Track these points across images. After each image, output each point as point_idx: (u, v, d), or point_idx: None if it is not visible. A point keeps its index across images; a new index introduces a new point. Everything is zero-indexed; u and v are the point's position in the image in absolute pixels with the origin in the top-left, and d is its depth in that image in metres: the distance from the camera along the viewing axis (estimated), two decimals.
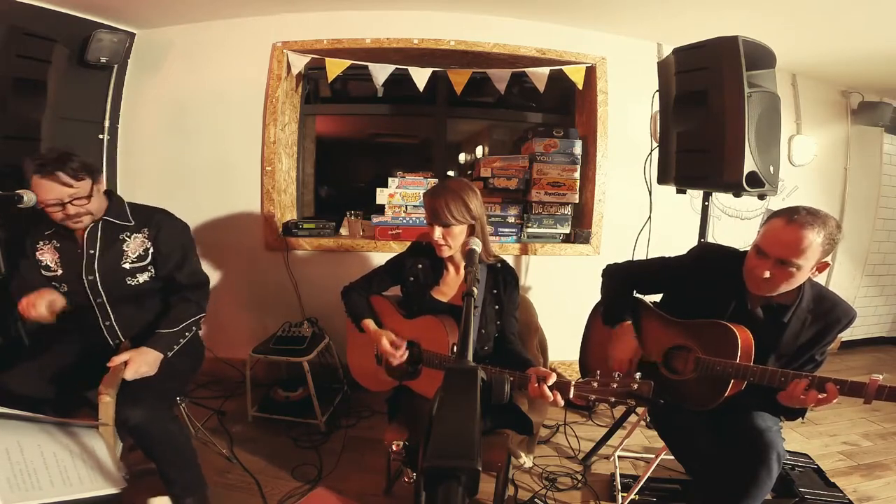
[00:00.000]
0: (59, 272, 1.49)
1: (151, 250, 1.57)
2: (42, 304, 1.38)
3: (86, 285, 1.49)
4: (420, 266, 1.58)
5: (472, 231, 1.46)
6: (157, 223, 1.58)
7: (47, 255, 1.50)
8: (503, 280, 1.55)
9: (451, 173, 3.02)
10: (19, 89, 1.63)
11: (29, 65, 1.65)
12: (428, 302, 1.55)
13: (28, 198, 1.69)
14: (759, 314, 1.34)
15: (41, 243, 1.51)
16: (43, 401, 1.38)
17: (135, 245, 1.55)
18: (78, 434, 1.26)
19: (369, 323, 1.56)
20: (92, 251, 1.50)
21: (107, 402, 1.25)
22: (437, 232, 1.43)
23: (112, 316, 1.53)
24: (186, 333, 1.56)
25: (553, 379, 1.16)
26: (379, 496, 1.74)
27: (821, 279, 1.31)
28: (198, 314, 1.60)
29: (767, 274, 1.21)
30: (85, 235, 1.50)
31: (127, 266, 1.53)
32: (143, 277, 1.56)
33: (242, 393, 2.23)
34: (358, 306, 1.60)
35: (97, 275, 1.50)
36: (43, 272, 1.49)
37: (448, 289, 1.56)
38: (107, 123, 2.46)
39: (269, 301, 2.60)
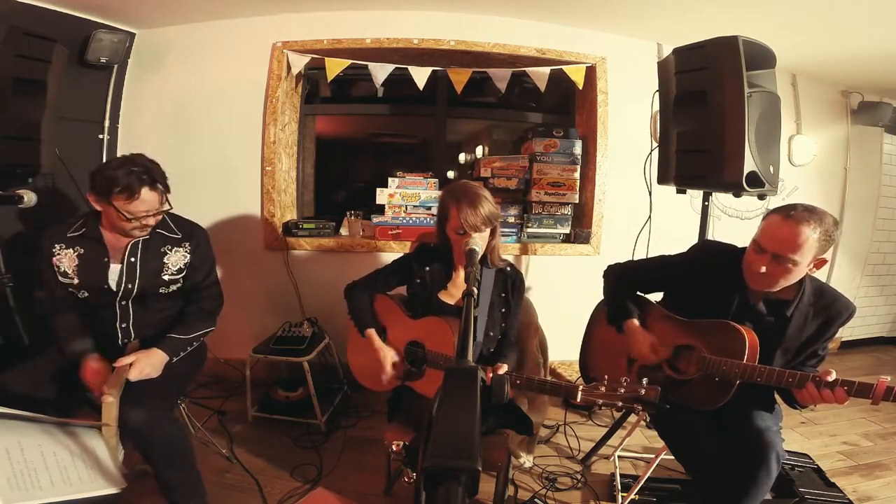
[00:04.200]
0: (76, 280, 1.47)
1: (189, 264, 1.59)
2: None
3: (120, 292, 1.49)
4: (428, 269, 1.57)
5: (492, 233, 1.48)
6: (197, 239, 1.62)
7: (65, 262, 1.48)
8: (512, 283, 1.56)
9: (451, 173, 3.02)
10: (19, 89, 1.63)
11: (29, 65, 1.65)
12: (435, 304, 1.54)
13: (28, 198, 1.70)
14: (762, 309, 1.35)
15: (58, 247, 1.48)
16: (43, 401, 1.38)
17: (176, 258, 1.57)
18: (78, 434, 1.26)
19: (374, 335, 1.54)
20: (133, 259, 1.50)
21: (110, 403, 1.25)
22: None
23: (131, 318, 1.53)
24: (194, 342, 1.57)
25: (503, 369, 1.31)
26: (379, 496, 1.74)
27: (821, 277, 1.32)
28: (210, 327, 1.63)
29: (764, 269, 1.23)
30: (129, 244, 1.50)
31: (166, 278, 1.55)
32: (173, 287, 1.58)
33: (242, 393, 2.23)
34: (362, 312, 1.58)
35: (136, 283, 1.50)
36: (61, 278, 1.48)
37: (456, 290, 1.56)
38: (107, 123, 2.46)
39: (269, 301, 2.60)
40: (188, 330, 1.55)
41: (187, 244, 1.60)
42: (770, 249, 1.21)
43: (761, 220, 1.30)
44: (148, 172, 1.42)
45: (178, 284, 1.59)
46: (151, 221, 1.47)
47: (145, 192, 1.40)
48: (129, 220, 1.41)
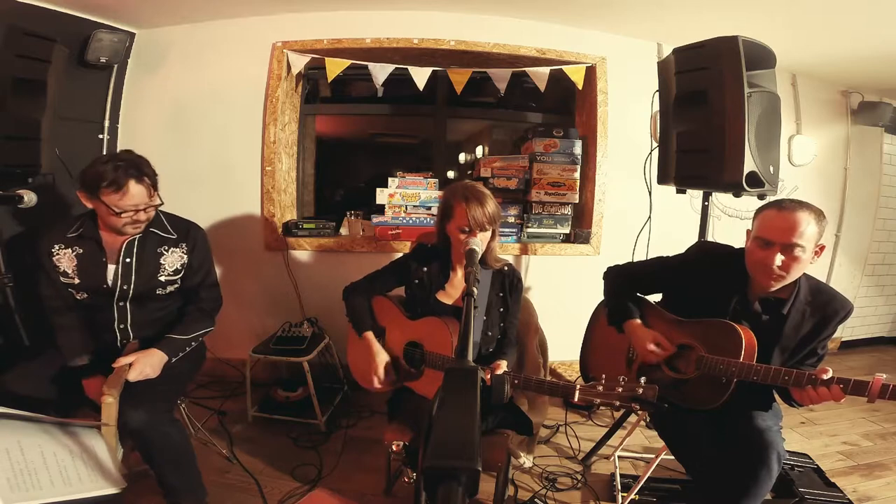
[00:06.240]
0: (77, 280, 1.47)
1: (186, 265, 1.59)
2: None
3: (116, 292, 1.49)
4: (426, 269, 1.57)
5: (492, 234, 1.48)
6: (193, 238, 1.62)
7: (64, 262, 1.48)
8: (510, 284, 1.56)
9: (451, 173, 3.02)
10: (19, 89, 1.63)
11: (29, 65, 1.65)
12: (433, 304, 1.54)
13: (28, 198, 1.70)
14: (759, 309, 1.35)
15: (57, 247, 1.48)
16: (44, 401, 1.38)
17: (172, 259, 1.57)
18: (78, 434, 1.26)
19: (371, 338, 1.54)
20: (128, 259, 1.50)
21: (110, 403, 1.25)
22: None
23: (129, 318, 1.53)
24: (193, 343, 1.57)
25: (502, 367, 1.30)
26: (379, 496, 1.74)
27: (821, 276, 1.32)
28: (209, 327, 1.63)
29: (780, 261, 1.23)
30: (124, 244, 1.50)
31: (163, 279, 1.55)
32: (171, 288, 1.58)
33: (242, 393, 2.23)
34: (360, 315, 1.58)
35: (132, 284, 1.50)
36: (61, 278, 1.48)
37: (454, 290, 1.56)
38: (107, 123, 2.46)
39: (269, 301, 2.60)
40: (187, 330, 1.55)
41: (184, 244, 1.59)
42: (778, 240, 1.22)
43: (753, 220, 1.32)
44: (135, 166, 1.41)
45: (176, 285, 1.59)
46: (143, 217, 1.46)
47: (132, 185, 1.39)
48: (119, 216, 1.40)
